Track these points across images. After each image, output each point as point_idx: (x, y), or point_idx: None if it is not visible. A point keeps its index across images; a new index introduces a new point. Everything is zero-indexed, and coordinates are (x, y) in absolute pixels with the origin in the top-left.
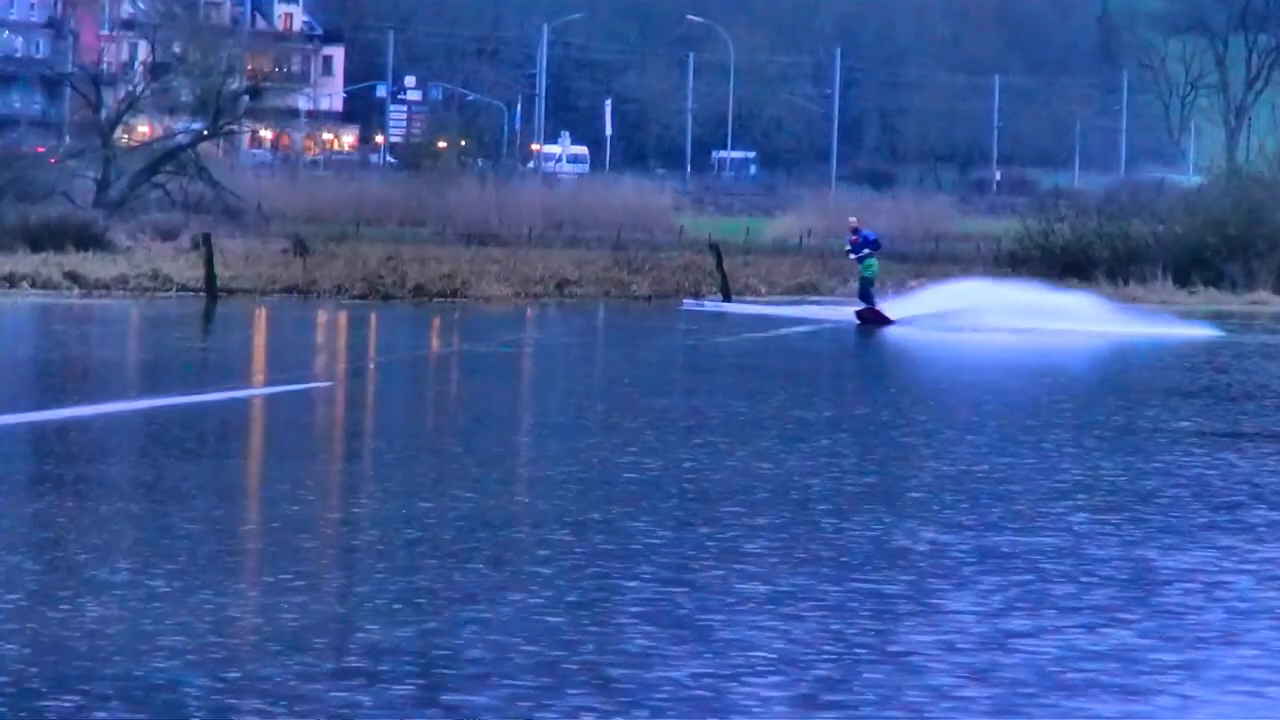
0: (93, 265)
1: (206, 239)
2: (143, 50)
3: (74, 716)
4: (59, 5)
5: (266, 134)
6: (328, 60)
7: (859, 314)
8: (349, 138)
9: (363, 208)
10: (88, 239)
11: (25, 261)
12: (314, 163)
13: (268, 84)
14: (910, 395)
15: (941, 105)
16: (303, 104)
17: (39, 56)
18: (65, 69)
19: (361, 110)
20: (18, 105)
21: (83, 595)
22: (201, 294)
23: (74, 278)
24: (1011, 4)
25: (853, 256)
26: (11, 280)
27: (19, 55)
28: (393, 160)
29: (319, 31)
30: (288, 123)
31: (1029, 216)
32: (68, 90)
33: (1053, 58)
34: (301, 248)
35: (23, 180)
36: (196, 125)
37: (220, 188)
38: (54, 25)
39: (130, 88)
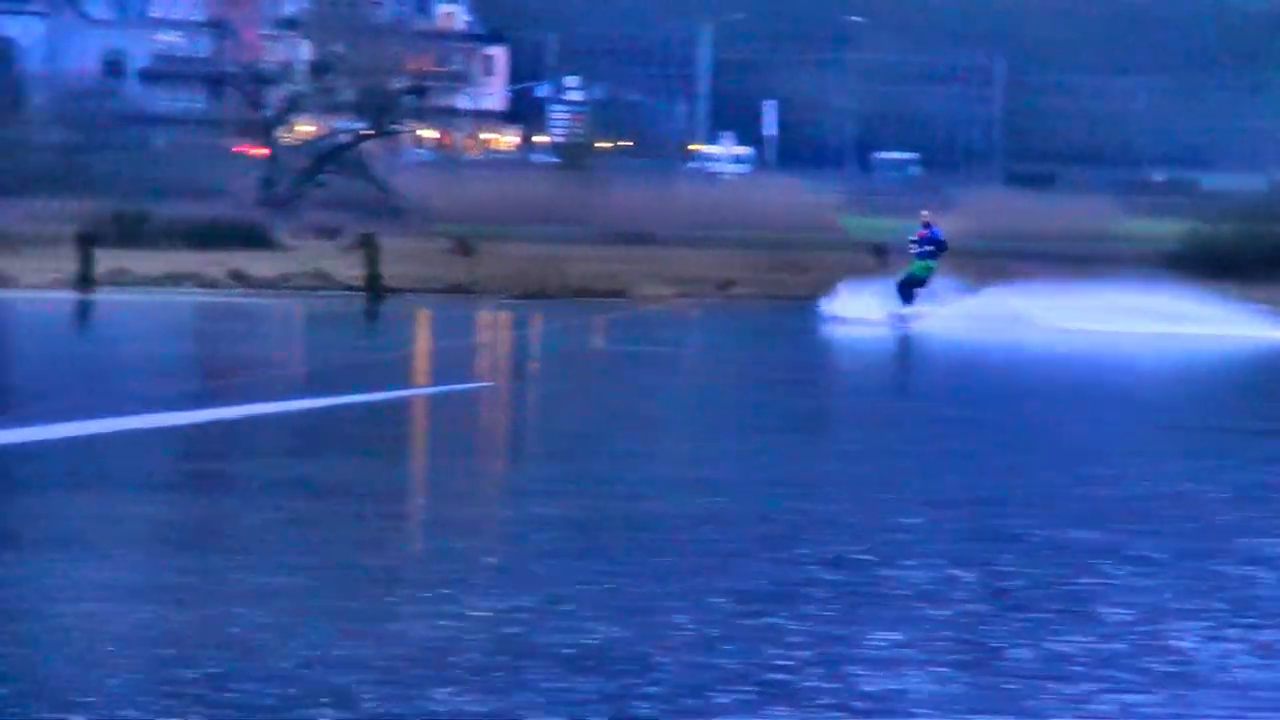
0: (256, 264)
1: (369, 238)
2: (304, 49)
3: None
4: (220, 4)
5: (428, 133)
6: (489, 60)
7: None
8: (510, 137)
9: (524, 207)
10: (251, 238)
11: (189, 260)
12: (475, 162)
13: (430, 83)
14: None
15: (1101, 106)
16: (464, 103)
17: (201, 55)
18: (227, 68)
19: (523, 110)
20: (181, 104)
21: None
22: (364, 293)
23: (238, 276)
24: (1166, 5)
25: (914, 251)
26: (175, 279)
27: (180, 54)
28: (554, 160)
29: (481, 31)
30: (449, 122)
31: (1189, 217)
32: (230, 89)
33: (1206, 58)
34: (463, 247)
35: (186, 179)
36: (358, 124)
37: (383, 187)
38: (215, 24)
39: (292, 87)
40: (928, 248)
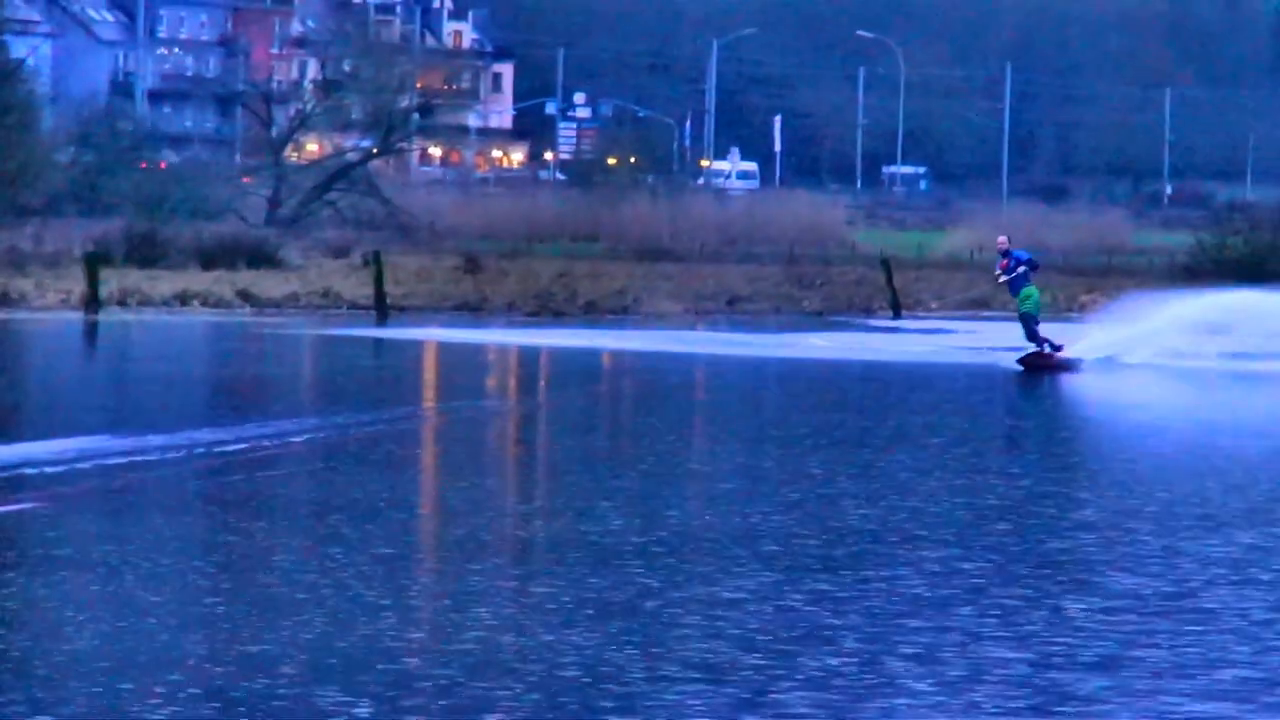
0: (264, 283)
1: (376, 256)
2: (313, 68)
3: None
4: (230, 23)
5: (437, 151)
6: (497, 77)
7: (1024, 360)
8: (519, 154)
9: (534, 224)
10: (259, 257)
11: (198, 279)
12: (484, 180)
13: (438, 101)
14: None
15: (1115, 118)
16: (473, 121)
17: (210, 75)
18: (237, 87)
19: (531, 127)
20: (190, 124)
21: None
22: (372, 311)
23: (246, 296)
24: (1184, 16)
25: (1003, 280)
26: (184, 299)
27: (191, 73)
28: (563, 177)
29: (489, 48)
30: (458, 140)
31: (1203, 230)
32: (239, 108)
33: (1226, 70)
34: (473, 264)
35: (195, 198)
36: (367, 142)
37: (391, 205)
38: (225, 43)
39: (301, 105)
40: (1019, 272)
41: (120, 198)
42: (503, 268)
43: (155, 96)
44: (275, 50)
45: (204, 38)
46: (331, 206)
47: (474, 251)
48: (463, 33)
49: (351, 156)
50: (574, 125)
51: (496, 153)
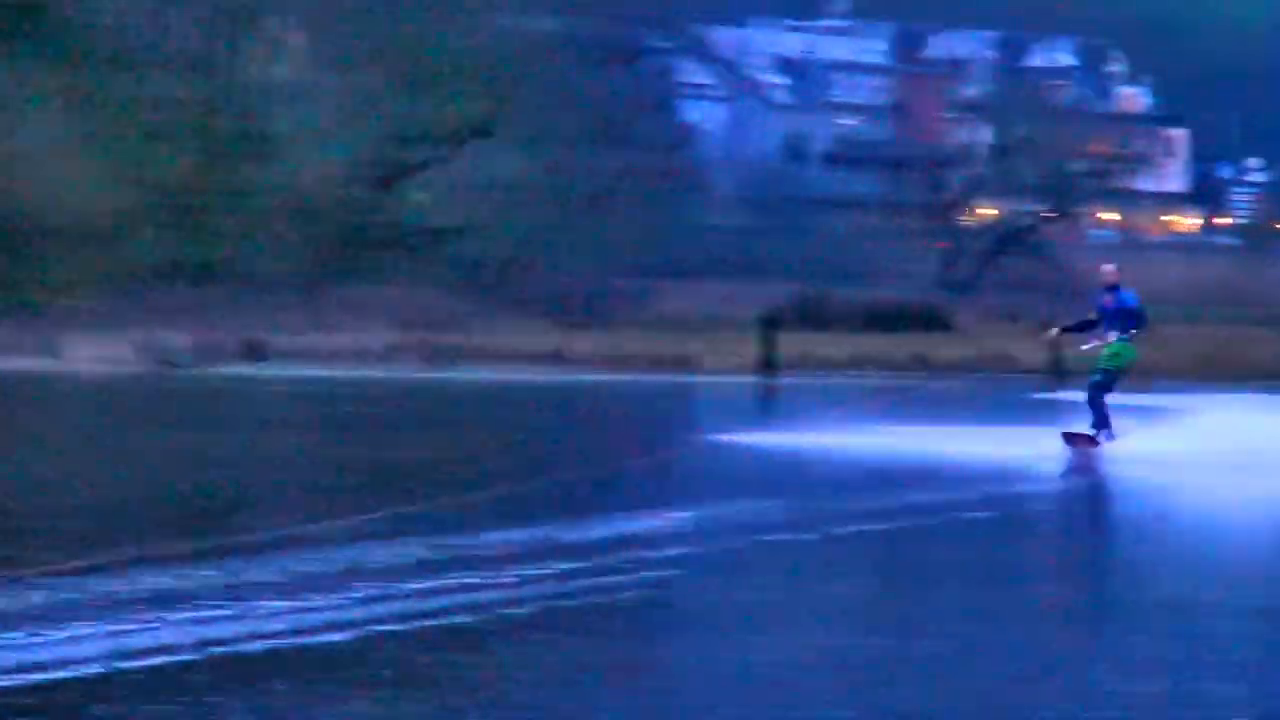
0: (937, 346)
1: (1050, 322)
2: (985, 132)
3: None
4: (901, 88)
5: (1110, 215)
6: (1170, 141)
7: (1069, 436)
8: (1192, 219)
9: (1206, 290)
10: (931, 320)
11: (870, 343)
12: (1157, 243)
13: (1112, 165)
14: None
15: None
16: (1145, 185)
17: (881, 139)
18: (908, 151)
19: (1205, 191)
20: (861, 187)
21: None
22: (1045, 376)
23: (920, 360)
24: None
25: (1098, 337)
26: (857, 362)
27: (862, 137)
28: (1236, 241)
29: (1161, 114)
30: (1130, 204)
31: None
32: (911, 172)
33: None
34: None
35: (865, 261)
36: (1039, 206)
37: (1062, 268)
38: (897, 107)
39: (972, 169)
40: (1120, 324)
41: (790, 260)
42: (1175, 333)
43: (826, 160)
44: (947, 115)
45: (876, 102)
46: (1004, 271)
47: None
48: (1136, 98)
49: (1025, 221)
50: (1248, 190)
51: (1169, 216)
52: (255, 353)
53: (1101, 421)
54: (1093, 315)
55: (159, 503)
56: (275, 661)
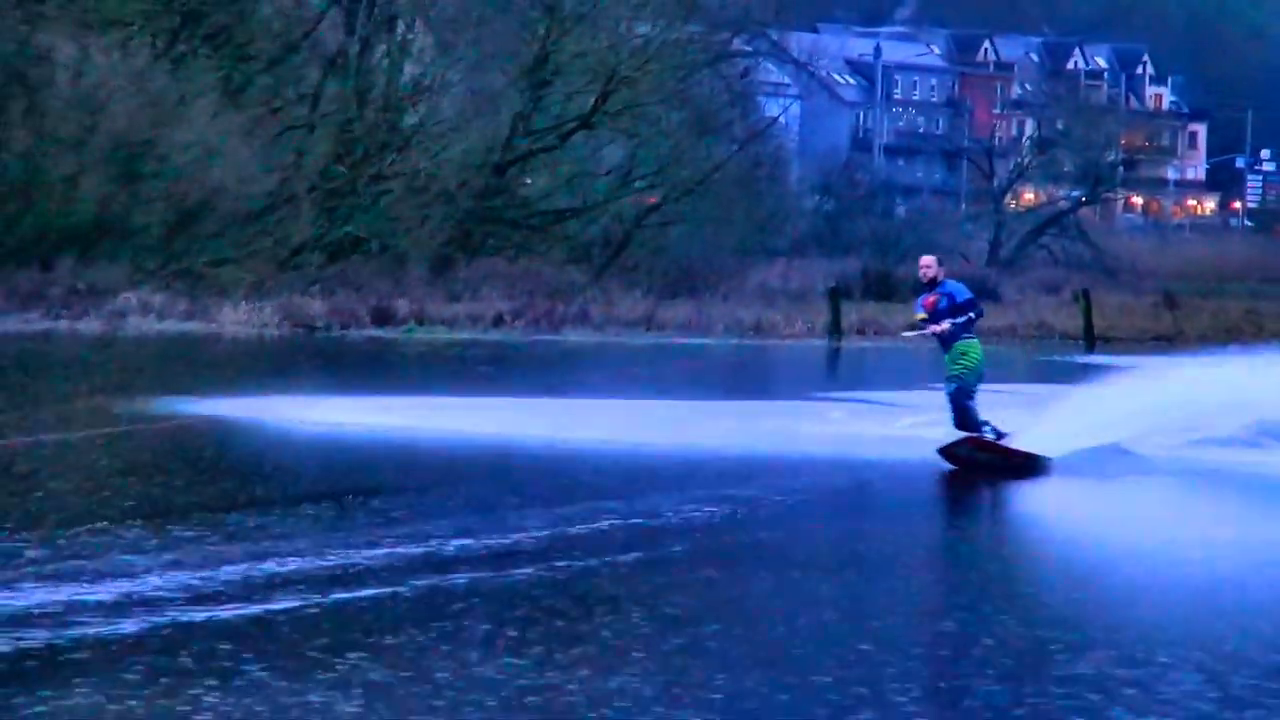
0: (986, 315)
1: (1085, 293)
2: (1030, 126)
3: None
4: (956, 86)
5: (1138, 200)
6: (1193, 135)
7: (946, 451)
8: (1210, 204)
9: (1223, 267)
10: (980, 293)
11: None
12: (1179, 226)
13: (1140, 156)
14: None
15: None
16: (1170, 174)
17: (938, 132)
18: (962, 143)
19: (1222, 180)
20: (920, 175)
21: None
22: (1080, 342)
23: None
24: None
25: (929, 331)
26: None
27: (921, 131)
28: (1250, 224)
29: (1185, 110)
30: (1156, 190)
31: None
32: (964, 162)
33: None
34: (1171, 301)
35: (923, 241)
36: (1076, 193)
37: (1097, 248)
38: (952, 104)
39: (1019, 160)
40: (948, 322)
41: (858, 240)
42: (1196, 305)
43: (890, 151)
44: (996, 111)
45: (933, 99)
46: (1044, 249)
47: (1171, 290)
48: (1162, 96)
49: (1063, 205)
50: (1259, 178)
51: (1190, 202)
52: (387, 319)
53: (973, 426)
54: (920, 317)
55: None
56: None
